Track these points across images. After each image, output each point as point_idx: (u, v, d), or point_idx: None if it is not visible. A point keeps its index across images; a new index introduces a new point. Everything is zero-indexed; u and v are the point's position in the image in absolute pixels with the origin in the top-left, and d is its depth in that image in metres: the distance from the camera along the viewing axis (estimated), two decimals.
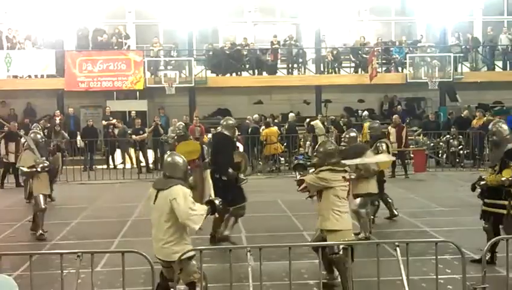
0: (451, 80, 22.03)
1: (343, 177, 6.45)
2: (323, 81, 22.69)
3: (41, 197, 9.87)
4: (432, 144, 18.82)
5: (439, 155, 19.05)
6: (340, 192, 6.39)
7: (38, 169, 9.79)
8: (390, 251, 6.17)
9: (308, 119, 20.38)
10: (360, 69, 23.08)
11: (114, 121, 20.33)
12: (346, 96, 23.51)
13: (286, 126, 19.73)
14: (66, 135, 19.13)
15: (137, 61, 21.50)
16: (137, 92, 22.70)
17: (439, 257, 6.89)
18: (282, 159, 19.29)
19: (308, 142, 20.18)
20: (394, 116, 17.54)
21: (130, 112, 21.63)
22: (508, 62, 23.26)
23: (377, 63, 22.33)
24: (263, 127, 19.05)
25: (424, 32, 24.57)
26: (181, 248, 5.40)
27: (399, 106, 22.16)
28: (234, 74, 22.73)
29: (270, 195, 14.02)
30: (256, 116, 19.70)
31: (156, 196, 5.62)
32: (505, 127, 7.71)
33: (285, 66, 23.17)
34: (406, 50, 23.31)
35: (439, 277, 6.76)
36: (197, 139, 19.12)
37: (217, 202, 5.88)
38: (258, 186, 15.44)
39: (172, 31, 23.87)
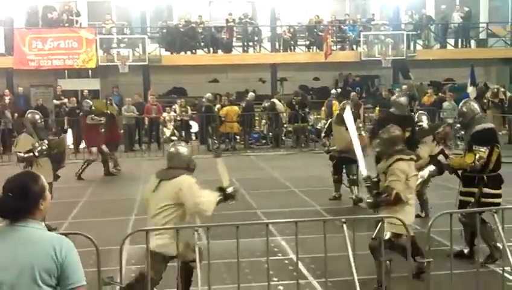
0: (404, 57, 22.31)
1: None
2: (278, 59, 22.68)
3: None
4: None
5: None
6: (413, 182, 5.98)
7: (36, 153, 8.70)
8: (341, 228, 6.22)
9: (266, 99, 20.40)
10: (315, 47, 23.14)
11: (66, 100, 19.90)
12: (302, 75, 23.58)
13: (244, 105, 19.67)
14: (10, 115, 18.52)
15: (89, 39, 21.02)
16: (90, 71, 22.25)
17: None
18: (238, 137, 19.27)
19: (263, 121, 20.20)
20: (352, 94, 17.68)
21: (82, 91, 21.20)
22: (459, 40, 23.65)
23: (332, 41, 22.46)
24: (218, 105, 18.97)
25: (377, 10, 24.74)
26: (165, 243, 5.24)
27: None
28: (189, 52, 22.49)
29: None
30: (209, 94, 19.54)
31: (157, 186, 5.45)
32: (475, 106, 7.17)
33: (240, 44, 23.05)
34: (360, 28, 23.46)
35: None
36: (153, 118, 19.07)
37: (229, 190, 5.64)
38: (212, 165, 15.39)
39: (125, 8, 23.42)
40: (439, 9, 24.41)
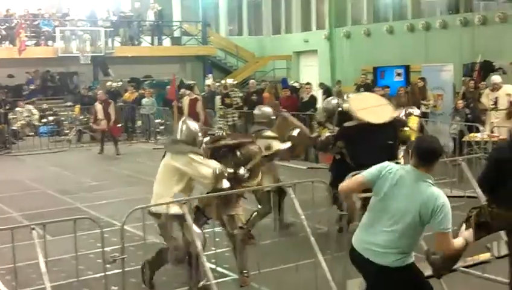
0: (103, 54, 22.26)
1: None
2: None
3: None
4: (86, 119, 18.76)
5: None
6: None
7: None
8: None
9: None
10: (7, 42, 21.69)
11: None
12: None
13: None
14: None
15: None
16: None
17: (88, 232, 7.02)
18: None
19: None
20: (99, 92, 16.95)
21: None
22: (155, 38, 24.49)
23: (26, 36, 21.34)
24: None
25: (73, 6, 24.22)
26: None
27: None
28: None
29: None
30: None
31: None
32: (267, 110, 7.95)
33: None
34: (55, 23, 22.72)
35: (91, 251, 6.88)
36: None
37: None
38: None
39: None
40: (134, 7, 24.96)
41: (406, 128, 7.43)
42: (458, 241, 4.01)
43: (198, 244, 5.31)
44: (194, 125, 6.00)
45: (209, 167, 5.65)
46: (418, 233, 3.97)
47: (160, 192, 5.74)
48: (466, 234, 4.14)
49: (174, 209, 5.54)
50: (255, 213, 7.53)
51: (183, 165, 5.67)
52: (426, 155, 3.92)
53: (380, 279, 4.01)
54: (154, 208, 5.63)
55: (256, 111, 8.00)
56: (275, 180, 7.60)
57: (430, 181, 3.91)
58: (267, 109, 8.00)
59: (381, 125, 7.02)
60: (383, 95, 9.94)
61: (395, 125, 7.32)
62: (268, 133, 7.59)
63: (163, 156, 5.94)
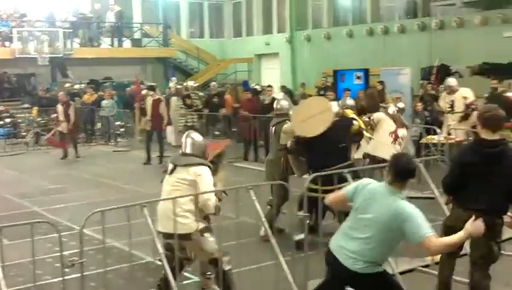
0: (61, 55, 21.92)
1: None
2: None
3: None
4: (44, 121, 18.43)
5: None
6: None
7: None
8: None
9: None
10: None
11: None
12: None
13: None
14: None
15: None
16: None
17: (45, 236, 6.87)
18: None
19: None
20: (60, 94, 16.48)
21: None
22: (115, 39, 24.21)
23: None
24: None
25: (31, 7, 23.77)
26: None
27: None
28: None
29: None
30: None
31: None
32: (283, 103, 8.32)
33: None
34: (12, 24, 22.26)
35: (49, 255, 6.77)
36: None
37: None
38: None
39: None
40: (94, 8, 24.64)
41: (355, 122, 7.64)
42: (444, 240, 4.18)
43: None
44: (200, 138, 5.82)
45: (207, 196, 5.47)
46: (389, 246, 4.21)
47: (178, 211, 5.36)
48: (467, 225, 4.16)
49: (196, 224, 5.41)
50: (268, 207, 7.60)
51: (193, 175, 5.46)
52: (403, 174, 4.19)
53: (352, 284, 4.26)
54: (183, 230, 5.32)
55: (275, 105, 8.44)
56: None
57: (400, 196, 4.16)
58: (284, 102, 8.48)
59: (331, 127, 7.11)
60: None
61: (345, 125, 7.50)
62: (289, 124, 7.86)
63: (171, 172, 5.59)
